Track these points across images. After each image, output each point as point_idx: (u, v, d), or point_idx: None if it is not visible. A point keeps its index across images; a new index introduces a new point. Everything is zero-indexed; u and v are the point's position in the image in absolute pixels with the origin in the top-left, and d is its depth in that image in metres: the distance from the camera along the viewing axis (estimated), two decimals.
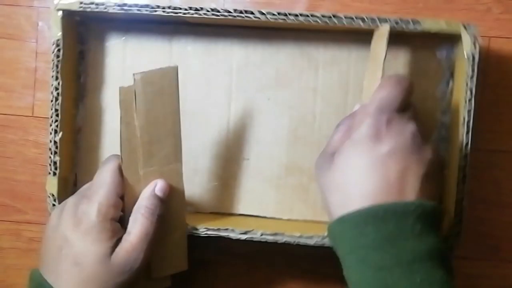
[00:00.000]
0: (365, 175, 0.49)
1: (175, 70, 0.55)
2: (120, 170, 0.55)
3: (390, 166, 0.48)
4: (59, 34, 0.60)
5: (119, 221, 0.55)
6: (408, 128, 0.50)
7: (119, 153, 0.56)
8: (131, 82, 0.60)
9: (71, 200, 0.55)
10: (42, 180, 0.69)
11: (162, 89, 0.55)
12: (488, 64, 0.66)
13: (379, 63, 0.55)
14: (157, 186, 0.56)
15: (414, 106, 0.53)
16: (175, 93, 0.56)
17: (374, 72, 0.56)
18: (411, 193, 0.48)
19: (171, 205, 0.58)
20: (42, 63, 0.68)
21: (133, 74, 0.54)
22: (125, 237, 0.54)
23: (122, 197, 0.56)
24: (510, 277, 0.68)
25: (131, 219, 0.55)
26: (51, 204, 0.61)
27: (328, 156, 0.53)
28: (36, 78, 0.69)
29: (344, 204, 0.49)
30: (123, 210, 0.56)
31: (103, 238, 0.53)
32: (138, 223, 0.55)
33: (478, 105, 0.65)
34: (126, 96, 0.54)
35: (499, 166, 0.67)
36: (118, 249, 0.53)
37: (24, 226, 0.71)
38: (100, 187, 0.55)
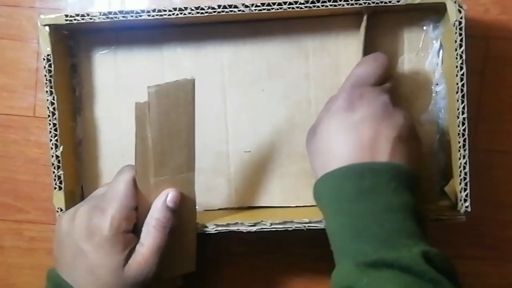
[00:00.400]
0: (341, 139, 0.53)
1: (191, 82, 0.55)
2: (134, 182, 0.56)
3: (362, 131, 0.53)
4: (48, 49, 0.60)
5: (133, 229, 0.56)
6: (380, 98, 0.55)
7: (129, 163, 0.57)
8: (125, 91, 0.61)
9: (83, 209, 0.56)
10: (44, 180, 0.70)
11: (177, 101, 0.55)
12: (487, 64, 0.66)
13: (359, 48, 0.59)
14: (169, 196, 0.56)
15: (394, 79, 0.60)
16: (191, 105, 0.55)
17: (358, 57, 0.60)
18: (383, 154, 0.52)
19: (182, 212, 0.58)
20: (43, 62, 0.68)
21: (148, 87, 0.54)
22: (138, 249, 0.55)
23: (136, 208, 0.56)
24: (510, 276, 0.68)
25: (144, 230, 0.56)
26: None
27: (313, 129, 0.57)
28: (37, 79, 0.70)
29: (326, 166, 0.54)
30: (137, 219, 0.56)
31: (116, 251, 0.54)
32: (150, 236, 0.55)
33: (478, 105, 0.66)
34: (141, 111, 0.54)
35: (498, 166, 0.67)
36: (131, 261, 0.54)
37: (25, 226, 0.71)
38: (113, 199, 0.55)
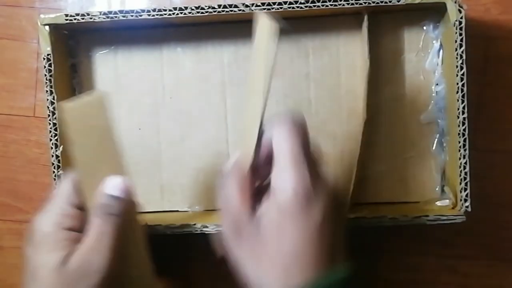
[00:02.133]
0: (303, 247, 0.45)
1: (101, 98, 0.53)
2: (75, 182, 0.53)
3: (324, 234, 0.46)
4: (48, 49, 0.60)
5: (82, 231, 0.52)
6: (328, 185, 0.47)
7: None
8: (125, 90, 0.61)
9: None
10: (44, 180, 0.70)
11: (90, 117, 0.53)
12: (487, 64, 0.66)
13: (364, 50, 0.55)
14: (110, 183, 0.52)
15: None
16: (104, 120, 0.53)
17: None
18: (337, 252, 0.47)
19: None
20: (43, 62, 0.68)
21: (61, 104, 0.52)
22: (82, 240, 0.50)
23: (81, 208, 0.53)
24: (510, 276, 0.68)
25: (89, 223, 0.52)
26: None
27: (243, 218, 0.48)
28: (37, 79, 0.69)
29: (283, 278, 0.45)
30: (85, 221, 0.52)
31: (57, 248, 0.50)
32: (94, 224, 0.51)
33: (478, 106, 0.66)
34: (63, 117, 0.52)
35: (499, 166, 0.67)
36: (74, 255, 0.49)
37: (25, 226, 0.70)
38: (52, 198, 0.53)
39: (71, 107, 0.51)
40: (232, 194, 0.48)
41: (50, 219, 0.51)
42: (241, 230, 0.47)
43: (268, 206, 0.47)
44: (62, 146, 0.61)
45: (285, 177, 0.46)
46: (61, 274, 0.49)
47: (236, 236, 0.48)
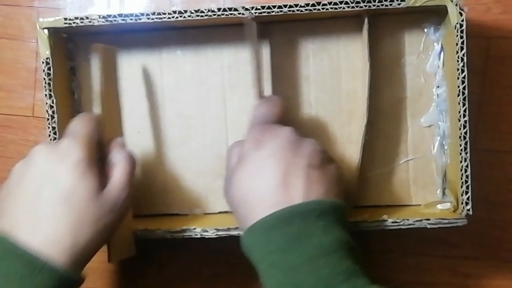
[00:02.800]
0: (255, 183, 0.51)
1: (115, 50, 0.61)
2: (98, 121, 0.55)
3: (272, 167, 0.51)
4: (48, 52, 0.59)
5: None
6: (283, 130, 0.53)
7: None
8: (125, 94, 0.61)
9: (39, 147, 0.51)
10: None
11: (111, 64, 0.61)
12: (488, 64, 0.66)
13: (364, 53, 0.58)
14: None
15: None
16: (115, 71, 0.61)
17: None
18: (299, 188, 0.50)
19: None
20: (42, 65, 0.68)
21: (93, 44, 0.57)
22: (114, 173, 0.52)
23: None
24: (511, 277, 0.68)
25: (113, 159, 0.54)
26: None
27: (229, 179, 0.55)
28: (36, 78, 0.69)
29: (249, 216, 0.50)
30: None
31: (93, 173, 0.50)
32: (120, 164, 0.53)
33: (479, 105, 0.66)
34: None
35: (498, 166, 0.67)
36: (109, 185, 0.51)
37: None
38: (81, 126, 0.53)
39: (103, 47, 0.58)
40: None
41: (84, 144, 0.51)
42: (225, 188, 0.56)
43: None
44: None
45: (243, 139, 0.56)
46: (97, 202, 0.50)
47: (224, 193, 0.56)
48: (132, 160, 0.54)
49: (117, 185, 0.52)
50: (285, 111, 0.58)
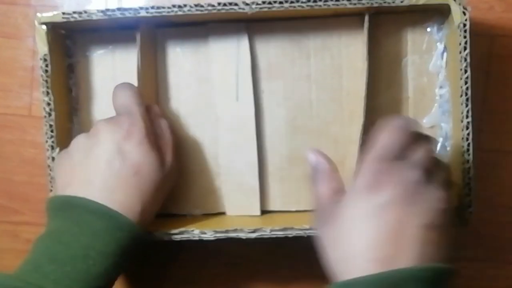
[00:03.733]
0: (363, 229, 0.47)
1: None
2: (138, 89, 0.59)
3: (385, 219, 0.46)
4: (45, 49, 0.59)
5: None
6: (409, 175, 0.48)
7: None
8: None
9: (101, 125, 0.56)
10: (40, 181, 0.69)
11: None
12: (491, 62, 0.66)
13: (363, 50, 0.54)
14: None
15: (429, 141, 0.52)
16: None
17: None
18: (409, 250, 0.45)
19: None
20: (40, 62, 0.67)
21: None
22: (165, 147, 0.58)
23: None
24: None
25: (157, 130, 0.59)
26: None
27: (329, 211, 0.51)
28: (33, 77, 0.69)
29: (346, 264, 0.47)
30: None
31: (153, 149, 0.56)
32: (167, 134, 0.59)
33: (482, 104, 0.65)
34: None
35: (502, 166, 0.67)
36: (166, 159, 0.57)
37: (21, 227, 0.70)
38: (136, 105, 0.57)
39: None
40: (320, 189, 0.53)
41: (144, 123, 0.56)
42: (318, 217, 0.53)
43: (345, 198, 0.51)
44: (58, 148, 0.59)
45: (361, 169, 0.50)
46: (161, 173, 0.56)
47: (316, 223, 0.53)
48: (171, 130, 0.60)
49: (171, 157, 0.58)
50: (416, 133, 0.51)
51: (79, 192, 0.53)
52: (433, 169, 0.49)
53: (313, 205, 0.54)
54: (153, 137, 0.57)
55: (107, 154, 0.54)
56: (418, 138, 0.51)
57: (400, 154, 0.49)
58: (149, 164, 0.55)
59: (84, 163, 0.55)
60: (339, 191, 0.52)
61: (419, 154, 0.49)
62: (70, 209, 0.53)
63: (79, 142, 0.56)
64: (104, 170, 0.54)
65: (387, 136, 0.50)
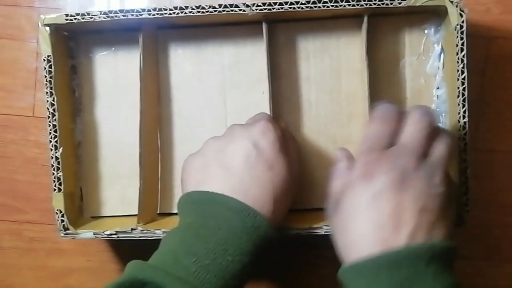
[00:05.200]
0: (363, 216, 0.49)
1: None
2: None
3: (382, 205, 0.48)
4: (49, 50, 0.59)
5: None
6: (400, 162, 0.49)
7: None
8: (125, 92, 0.61)
9: (235, 127, 0.58)
10: (43, 180, 0.70)
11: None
12: (488, 64, 0.66)
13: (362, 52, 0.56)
14: None
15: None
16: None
17: None
18: (407, 231, 0.47)
19: None
20: (43, 63, 0.68)
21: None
22: (293, 155, 0.58)
23: None
24: (511, 277, 0.68)
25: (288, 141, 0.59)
26: (60, 221, 0.61)
27: (335, 199, 0.53)
28: (37, 78, 0.69)
29: (352, 248, 0.49)
30: None
31: (283, 150, 0.56)
32: (295, 145, 0.61)
33: (479, 105, 0.66)
34: None
35: (499, 165, 0.67)
36: (294, 163, 0.57)
37: (24, 226, 0.71)
38: (266, 115, 0.59)
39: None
40: (333, 183, 0.55)
41: (275, 127, 0.56)
42: (328, 210, 0.54)
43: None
44: (62, 148, 0.60)
45: (356, 160, 0.53)
46: (290, 173, 0.56)
47: (329, 208, 0.54)
48: (296, 141, 0.62)
49: (297, 164, 0.59)
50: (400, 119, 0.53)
51: (215, 188, 0.53)
52: (426, 145, 0.51)
53: (326, 198, 0.55)
54: (284, 142, 0.56)
55: (243, 150, 0.54)
56: (404, 119, 0.52)
57: (390, 141, 0.52)
58: (282, 163, 0.55)
59: (219, 160, 0.55)
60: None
61: (408, 136, 0.51)
62: (207, 204, 0.53)
63: (212, 142, 0.57)
64: (240, 164, 0.54)
65: (372, 127, 0.53)
